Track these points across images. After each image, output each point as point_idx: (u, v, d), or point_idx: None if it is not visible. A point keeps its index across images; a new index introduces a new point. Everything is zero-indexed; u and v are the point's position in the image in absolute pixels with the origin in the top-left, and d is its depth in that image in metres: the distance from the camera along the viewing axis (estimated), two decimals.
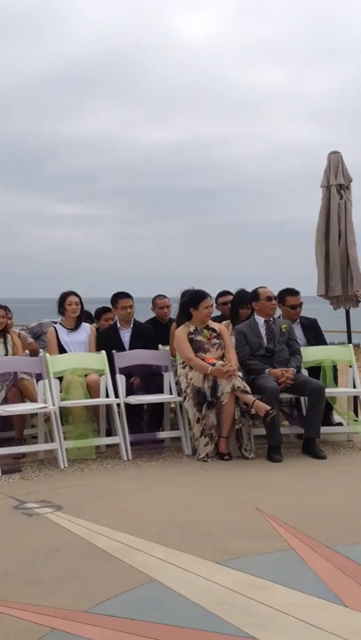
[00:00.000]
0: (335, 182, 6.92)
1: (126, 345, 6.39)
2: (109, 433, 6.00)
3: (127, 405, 5.88)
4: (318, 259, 6.98)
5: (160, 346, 6.59)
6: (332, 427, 6.33)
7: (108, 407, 5.93)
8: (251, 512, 4.17)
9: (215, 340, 5.95)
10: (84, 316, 6.69)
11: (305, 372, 6.23)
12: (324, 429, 5.98)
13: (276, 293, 6.45)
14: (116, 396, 5.88)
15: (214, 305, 6.58)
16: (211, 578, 3.15)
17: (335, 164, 6.98)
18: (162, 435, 6.19)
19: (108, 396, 5.90)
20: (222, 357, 5.91)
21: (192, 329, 5.96)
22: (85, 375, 5.96)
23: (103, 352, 6.07)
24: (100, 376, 5.96)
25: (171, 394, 6.08)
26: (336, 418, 6.51)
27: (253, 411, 5.66)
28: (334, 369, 6.56)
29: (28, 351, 6.24)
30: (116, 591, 3.00)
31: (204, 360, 5.77)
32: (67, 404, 5.67)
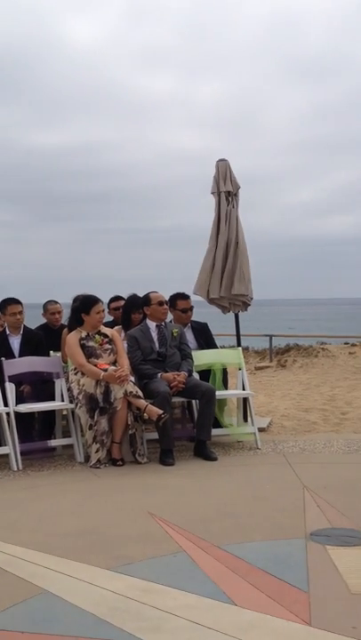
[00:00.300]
0: (224, 189, 7.08)
1: (16, 352, 6.26)
2: None
3: (17, 414, 5.75)
4: (206, 263, 7.11)
5: (51, 352, 6.49)
6: (223, 428, 6.45)
7: None
8: (143, 517, 4.19)
9: (107, 346, 5.93)
10: None
11: (196, 376, 6.33)
12: (215, 431, 6.10)
13: (167, 298, 6.53)
14: (5, 404, 5.73)
15: (106, 310, 6.56)
16: (103, 585, 3.14)
17: (223, 171, 7.13)
18: (53, 443, 6.09)
19: None
20: (114, 363, 5.90)
21: (84, 334, 5.92)
22: None
23: None
24: None
25: (62, 401, 6.00)
26: (228, 420, 6.63)
27: (146, 415, 5.70)
28: (224, 372, 6.72)
29: None
30: (5, 605, 2.92)
31: (96, 366, 5.74)
32: None
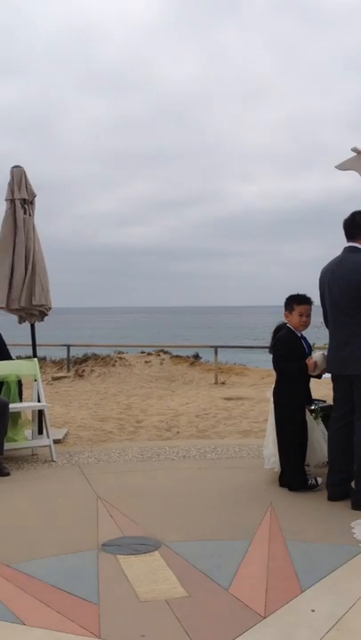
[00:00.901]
0: (19, 196, 6.91)
1: None
2: None
3: None
4: (1, 272, 6.89)
5: None
6: (17, 442, 6.27)
7: None
8: None
9: None
10: None
11: None
12: (7, 445, 5.91)
13: None
14: None
15: None
16: None
17: (18, 178, 6.96)
18: None
19: None
20: None
21: None
22: None
23: None
24: None
25: None
26: (22, 434, 6.46)
27: None
28: (19, 383, 6.54)
29: None
30: None
31: None
32: None
